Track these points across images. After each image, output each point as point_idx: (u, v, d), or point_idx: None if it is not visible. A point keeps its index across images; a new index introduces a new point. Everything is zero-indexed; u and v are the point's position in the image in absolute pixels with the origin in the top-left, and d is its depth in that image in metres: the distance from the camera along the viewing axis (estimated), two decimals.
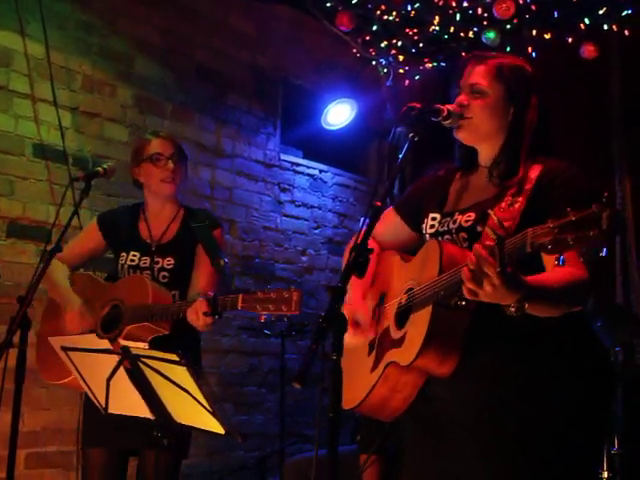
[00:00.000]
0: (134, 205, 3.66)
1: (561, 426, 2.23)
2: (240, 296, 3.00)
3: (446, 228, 2.42)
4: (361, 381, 2.44)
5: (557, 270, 2.17)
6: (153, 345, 2.90)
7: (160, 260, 3.45)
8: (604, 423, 2.42)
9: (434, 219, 2.48)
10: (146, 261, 3.46)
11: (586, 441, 2.27)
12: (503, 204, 2.31)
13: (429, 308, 2.21)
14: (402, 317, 2.37)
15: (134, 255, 3.48)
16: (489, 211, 2.16)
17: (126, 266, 3.48)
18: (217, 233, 3.48)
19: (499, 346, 2.25)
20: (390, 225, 2.66)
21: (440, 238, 2.41)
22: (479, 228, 2.31)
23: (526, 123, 2.41)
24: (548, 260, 2.19)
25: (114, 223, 3.59)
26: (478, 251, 1.99)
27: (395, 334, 2.38)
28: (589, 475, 2.40)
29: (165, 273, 3.44)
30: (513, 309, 2.05)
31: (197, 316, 3.09)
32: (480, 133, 2.44)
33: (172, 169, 3.48)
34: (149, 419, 3.00)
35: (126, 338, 3.16)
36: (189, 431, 2.96)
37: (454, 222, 2.40)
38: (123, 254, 3.50)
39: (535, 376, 2.25)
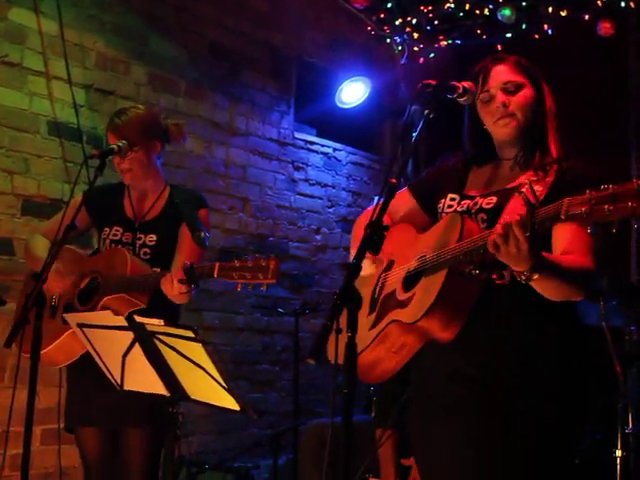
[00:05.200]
0: (121, 182, 3.61)
1: (541, 400, 2.29)
2: (217, 264, 2.96)
3: (465, 208, 2.46)
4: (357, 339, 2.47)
5: (567, 256, 2.25)
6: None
7: (142, 236, 3.44)
8: (581, 404, 2.40)
9: (453, 199, 2.53)
10: (128, 237, 3.45)
11: (561, 420, 2.32)
12: (532, 177, 2.36)
13: (443, 272, 2.25)
14: (410, 281, 2.41)
15: (117, 230, 3.47)
16: (524, 179, 2.17)
17: (108, 240, 3.47)
18: (202, 212, 3.46)
19: (488, 321, 2.31)
20: (404, 205, 2.71)
21: None
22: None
23: (547, 109, 2.49)
24: (557, 247, 2.28)
25: (99, 199, 3.55)
26: (512, 215, 2.04)
27: (401, 296, 2.42)
28: (564, 451, 2.38)
29: (146, 249, 3.42)
30: (524, 276, 2.11)
31: (171, 285, 3.07)
32: (523, 127, 2.48)
33: (117, 162, 3.44)
34: (132, 398, 3.01)
35: (102, 309, 3.15)
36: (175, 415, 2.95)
37: (475, 204, 2.45)
38: (106, 229, 3.49)
39: (522, 348, 2.31)
